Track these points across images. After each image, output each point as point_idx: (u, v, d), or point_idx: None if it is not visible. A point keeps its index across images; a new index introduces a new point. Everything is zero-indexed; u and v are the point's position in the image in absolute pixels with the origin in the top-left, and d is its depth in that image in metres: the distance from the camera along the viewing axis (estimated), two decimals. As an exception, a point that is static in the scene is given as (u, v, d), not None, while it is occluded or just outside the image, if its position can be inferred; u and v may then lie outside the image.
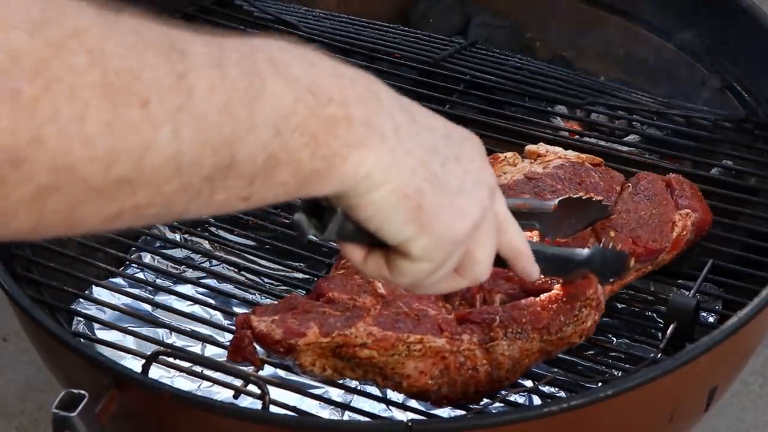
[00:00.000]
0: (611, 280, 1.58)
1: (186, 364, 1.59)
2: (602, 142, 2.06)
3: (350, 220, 1.04)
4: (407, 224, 1.03)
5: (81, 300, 1.77)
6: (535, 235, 1.56)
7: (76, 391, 1.35)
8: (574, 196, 1.60)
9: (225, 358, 1.55)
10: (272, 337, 1.47)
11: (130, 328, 1.73)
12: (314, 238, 1.08)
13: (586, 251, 1.49)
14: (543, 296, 1.53)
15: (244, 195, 0.91)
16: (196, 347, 1.75)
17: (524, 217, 1.43)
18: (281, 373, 1.64)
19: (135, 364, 1.59)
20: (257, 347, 1.51)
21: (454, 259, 1.10)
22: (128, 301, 1.76)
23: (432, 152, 1.05)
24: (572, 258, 1.48)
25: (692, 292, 1.65)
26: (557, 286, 1.54)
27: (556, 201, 1.52)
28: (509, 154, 1.82)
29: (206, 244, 1.92)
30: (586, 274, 1.52)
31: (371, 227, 1.04)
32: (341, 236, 1.08)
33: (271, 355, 1.51)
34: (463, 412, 1.51)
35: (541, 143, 1.85)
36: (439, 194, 1.05)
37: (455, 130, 1.11)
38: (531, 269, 1.27)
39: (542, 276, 1.45)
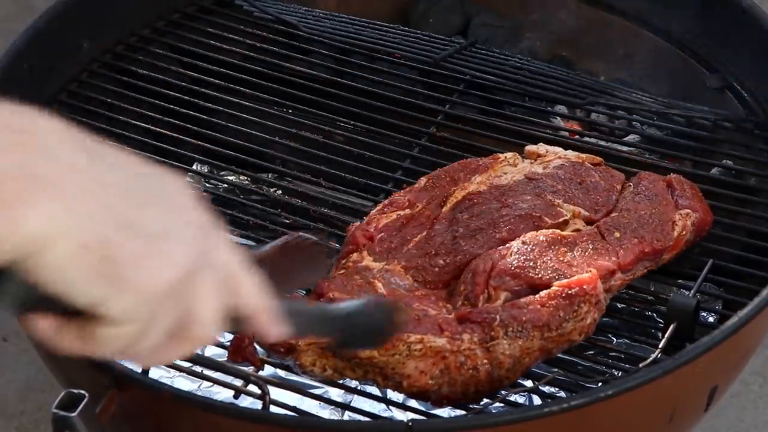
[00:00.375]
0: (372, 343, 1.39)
1: (186, 364, 1.59)
2: (602, 142, 2.06)
3: (31, 286, 0.88)
4: (95, 282, 0.88)
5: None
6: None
7: (76, 391, 1.35)
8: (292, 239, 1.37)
9: (225, 358, 1.55)
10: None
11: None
12: None
13: (346, 305, 1.28)
14: (542, 293, 1.53)
15: None
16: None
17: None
18: (281, 373, 1.64)
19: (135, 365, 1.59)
20: (257, 347, 1.51)
21: (166, 318, 0.93)
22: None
23: (124, 193, 0.90)
24: (330, 313, 1.28)
25: (692, 292, 1.65)
26: (556, 283, 1.54)
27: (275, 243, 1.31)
28: (509, 155, 1.82)
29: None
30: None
31: (56, 293, 0.87)
32: (24, 305, 0.90)
33: (272, 355, 1.51)
34: (463, 412, 1.51)
35: (541, 143, 1.85)
36: (134, 241, 0.89)
37: (156, 169, 0.94)
38: (272, 329, 1.05)
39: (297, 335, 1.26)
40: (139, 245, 0.89)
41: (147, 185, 0.92)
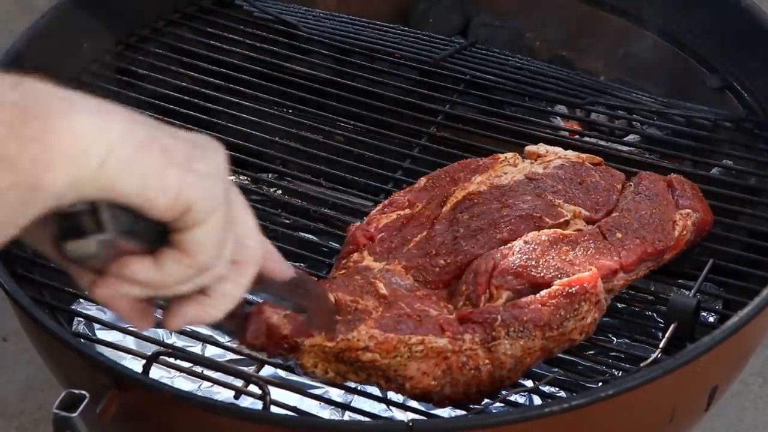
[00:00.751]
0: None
1: (186, 365, 1.59)
2: (602, 142, 2.06)
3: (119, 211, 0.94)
4: (167, 171, 0.93)
5: (81, 300, 1.77)
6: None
7: (76, 391, 1.35)
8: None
9: (225, 359, 1.56)
10: (281, 331, 1.46)
11: (130, 328, 1.73)
12: (88, 252, 0.95)
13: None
14: (543, 293, 1.53)
15: None
16: (196, 347, 1.75)
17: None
18: (282, 373, 1.64)
19: (135, 365, 1.59)
20: (256, 347, 1.51)
21: (228, 246, 1.00)
22: (128, 301, 1.75)
23: (154, 125, 0.96)
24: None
25: (692, 292, 1.65)
26: (557, 282, 1.54)
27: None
28: (509, 155, 1.82)
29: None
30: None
31: (138, 202, 0.93)
32: (124, 231, 0.95)
33: (273, 355, 1.51)
34: (464, 412, 1.51)
35: (541, 144, 1.85)
36: (179, 141, 0.96)
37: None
38: (282, 265, 1.13)
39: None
40: (186, 145, 0.96)
41: (185, 136, 0.98)
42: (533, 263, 1.57)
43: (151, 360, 1.51)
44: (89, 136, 0.89)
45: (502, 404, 1.52)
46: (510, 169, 1.78)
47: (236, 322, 1.27)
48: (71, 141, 0.88)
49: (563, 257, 1.58)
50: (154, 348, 1.56)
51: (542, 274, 1.55)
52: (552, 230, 1.64)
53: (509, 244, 1.61)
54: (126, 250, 0.97)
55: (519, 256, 1.58)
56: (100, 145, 0.89)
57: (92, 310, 1.77)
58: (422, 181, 1.78)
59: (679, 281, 1.78)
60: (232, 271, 1.03)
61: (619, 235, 1.64)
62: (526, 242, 1.61)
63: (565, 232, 1.64)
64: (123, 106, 0.96)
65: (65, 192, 0.89)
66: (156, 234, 0.97)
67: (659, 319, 1.72)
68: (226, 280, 1.03)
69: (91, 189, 0.91)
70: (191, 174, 0.95)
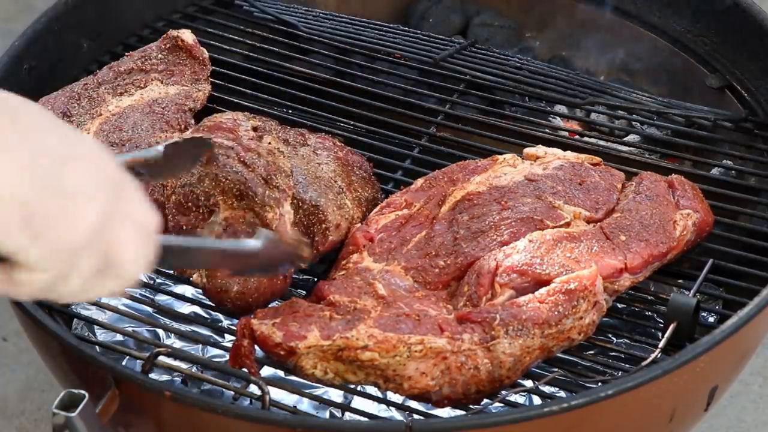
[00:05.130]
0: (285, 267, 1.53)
1: (186, 365, 1.59)
2: (602, 142, 2.06)
3: None
4: (13, 234, 0.98)
5: (81, 301, 1.77)
6: None
7: (76, 391, 1.35)
8: (179, 140, 1.54)
9: (225, 359, 1.56)
10: (273, 340, 1.47)
11: (130, 329, 1.73)
12: None
13: (255, 242, 1.37)
14: (542, 291, 1.53)
15: None
16: (196, 348, 1.75)
17: (135, 170, 1.40)
18: (281, 373, 1.64)
19: (135, 365, 1.59)
20: (257, 348, 1.51)
21: (85, 266, 1.04)
22: (128, 302, 1.75)
23: (45, 152, 1.00)
24: (243, 250, 1.39)
25: (692, 292, 1.65)
26: (556, 279, 1.54)
27: (162, 146, 1.46)
28: (508, 156, 1.82)
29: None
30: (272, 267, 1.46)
31: None
32: None
33: (272, 358, 1.51)
34: (463, 413, 1.51)
35: (540, 146, 1.85)
36: (50, 200, 0.99)
37: (77, 131, 1.06)
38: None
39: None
40: (55, 204, 0.99)
41: (67, 145, 1.02)
42: (538, 261, 1.57)
43: (150, 360, 1.51)
44: None
45: (501, 404, 1.52)
46: (509, 169, 1.78)
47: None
48: None
49: (568, 254, 1.59)
50: (153, 349, 1.56)
51: (547, 272, 1.56)
52: (555, 229, 1.64)
53: (512, 244, 1.61)
54: None
55: (524, 254, 1.58)
56: None
57: (92, 311, 1.77)
58: (419, 182, 1.78)
59: (679, 281, 1.78)
60: (97, 282, 1.08)
61: (623, 237, 1.64)
62: (530, 241, 1.61)
63: (569, 230, 1.65)
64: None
65: None
66: None
67: (659, 319, 1.72)
68: (86, 289, 1.08)
69: None
70: (38, 241, 1.00)
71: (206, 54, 2.03)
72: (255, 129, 1.81)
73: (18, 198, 0.97)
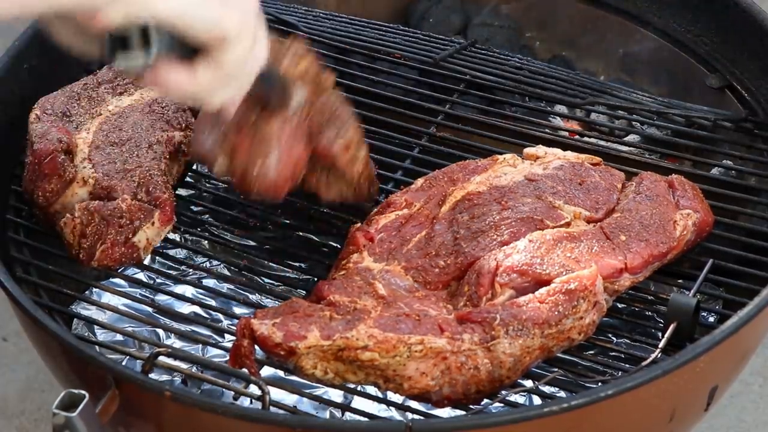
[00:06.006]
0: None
1: (186, 365, 1.59)
2: (602, 142, 2.06)
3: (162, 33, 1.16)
4: (207, 5, 1.16)
5: (81, 301, 1.77)
6: None
7: (76, 391, 1.35)
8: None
9: (225, 359, 1.56)
10: (273, 340, 1.47)
11: (129, 329, 1.73)
12: (137, 63, 1.18)
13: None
14: (542, 291, 1.53)
15: None
16: (196, 348, 1.75)
17: None
18: (281, 373, 1.64)
19: (135, 365, 1.59)
20: (257, 349, 1.51)
21: (261, 35, 1.26)
22: (128, 302, 1.76)
23: None
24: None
25: (692, 292, 1.65)
26: (556, 279, 1.54)
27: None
28: (508, 156, 1.82)
29: (206, 244, 1.92)
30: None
31: (181, 28, 1.15)
32: (164, 48, 1.17)
33: (272, 358, 1.51)
34: (463, 413, 1.51)
35: (540, 146, 1.85)
36: None
37: None
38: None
39: None
40: None
41: None
42: (538, 261, 1.57)
43: (150, 360, 1.51)
44: None
45: (501, 404, 1.52)
46: (509, 169, 1.78)
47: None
48: None
49: (568, 254, 1.59)
50: (153, 349, 1.56)
51: (547, 271, 1.56)
52: (555, 229, 1.64)
53: (512, 244, 1.61)
54: (166, 62, 1.20)
55: (524, 254, 1.58)
56: None
57: (92, 311, 1.77)
58: (419, 181, 1.78)
59: (679, 281, 1.78)
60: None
61: (623, 237, 1.64)
62: (531, 241, 1.61)
63: (569, 230, 1.65)
64: None
65: (112, 3, 1.11)
66: (193, 50, 1.20)
67: (659, 319, 1.72)
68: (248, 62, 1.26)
69: (141, 10, 1.12)
70: (228, 8, 1.16)
71: None
72: None
73: None
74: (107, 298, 1.78)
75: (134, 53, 1.18)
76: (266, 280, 1.82)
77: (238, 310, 1.79)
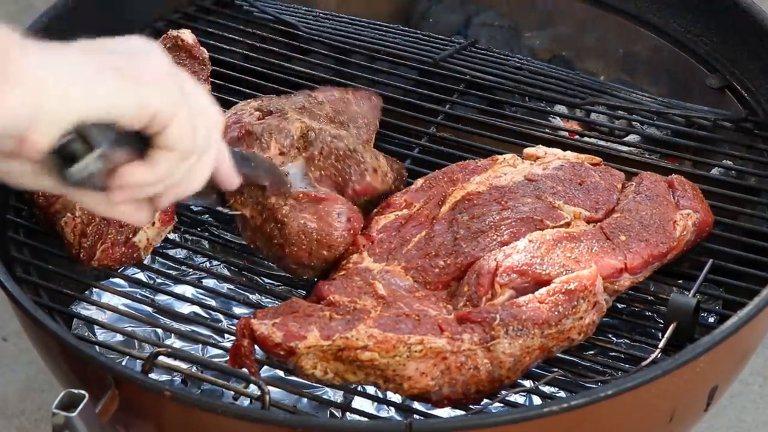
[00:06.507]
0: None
1: (186, 365, 1.59)
2: (602, 142, 2.06)
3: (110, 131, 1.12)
4: (121, 89, 1.12)
5: (81, 301, 1.77)
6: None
7: (75, 391, 1.35)
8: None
9: (225, 359, 1.55)
10: (272, 340, 1.47)
11: (129, 329, 1.73)
12: (90, 172, 1.12)
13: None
14: (542, 291, 1.53)
15: None
16: (196, 348, 1.75)
17: None
18: (281, 373, 1.64)
19: (135, 365, 1.59)
20: (257, 348, 1.51)
21: (186, 114, 1.17)
22: (128, 302, 1.76)
23: (110, 54, 1.13)
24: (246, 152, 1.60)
25: (692, 292, 1.65)
26: (556, 279, 1.54)
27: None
28: (508, 156, 1.82)
29: (206, 244, 1.92)
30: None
31: (110, 120, 1.11)
32: (111, 142, 1.12)
33: (272, 358, 1.51)
34: (463, 413, 1.51)
35: (540, 146, 1.85)
36: (133, 68, 1.13)
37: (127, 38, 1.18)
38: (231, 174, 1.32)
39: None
40: (131, 59, 1.13)
41: (125, 49, 1.15)
42: (538, 261, 1.57)
43: (150, 360, 1.51)
44: (49, 71, 1.05)
45: (501, 404, 1.52)
46: (509, 169, 1.78)
47: (216, 192, 1.42)
48: (34, 76, 1.04)
49: (568, 254, 1.59)
50: (153, 349, 1.56)
51: (547, 272, 1.56)
52: (555, 229, 1.64)
53: (512, 244, 1.61)
54: (119, 162, 1.14)
55: (524, 254, 1.58)
56: (60, 76, 1.06)
57: (92, 311, 1.77)
58: (419, 182, 1.78)
59: (679, 281, 1.78)
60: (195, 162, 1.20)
61: (623, 237, 1.64)
62: (530, 241, 1.61)
63: (569, 230, 1.65)
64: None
65: (35, 121, 1.05)
66: (140, 140, 1.15)
67: (659, 320, 1.72)
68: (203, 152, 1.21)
69: (66, 117, 1.07)
70: (144, 85, 1.11)
71: (206, 54, 2.03)
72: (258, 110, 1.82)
73: (112, 67, 1.10)
74: (107, 298, 1.78)
75: (83, 161, 1.12)
76: (266, 280, 1.82)
77: (238, 310, 1.79)
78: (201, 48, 2.04)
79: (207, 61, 2.03)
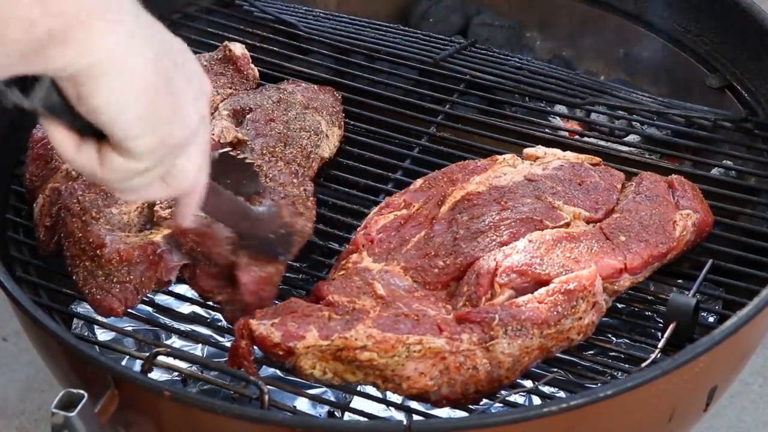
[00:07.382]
0: (281, 256, 1.61)
1: (186, 365, 1.59)
2: (602, 142, 2.06)
3: (58, 92, 1.03)
4: (136, 122, 1.04)
5: (80, 301, 1.77)
6: None
7: (75, 390, 1.35)
8: (238, 155, 1.57)
9: (225, 359, 1.55)
10: (271, 339, 1.47)
11: (129, 328, 1.73)
12: (19, 103, 1.05)
13: (262, 208, 1.56)
14: (541, 291, 1.53)
15: None
16: (196, 348, 1.75)
17: None
18: (281, 373, 1.64)
19: (135, 365, 1.59)
20: (257, 348, 1.51)
21: (165, 164, 1.10)
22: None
23: (166, 50, 1.05)
24: (253, 210, 1.55)
25: (692, 292, 1.65)
26: (556, 279, 1.54)
27: (218, 153, 1.48)
28: (508, 156, 1.82)
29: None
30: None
31: (100, 118, 1.02)
32: (47, 107, 1.04)
33: (271, 358, 1.51)
34: (463, 413, 1.51)
35: (539, 146, 1.85)
36: (169, 96, 1.05)
37: (173, 36, 1.12)
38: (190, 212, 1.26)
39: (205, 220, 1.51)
40: (171, 100, 1.05)
41: (175, 48, 1.08)
42: (537, 261, 1.57)
43: (149, 360, 1.51)
44: (106, 53, 0.98)
45: (501, 404, 1.52)
46: (509, 169, 1.78)
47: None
48: (90, 44, 0.97)
49: (568, 254, 1.59)
50: (153, 349, 1.56)
51: (546, 272, 1.56)
52: (555, 230, 1.64)
53: (512, 244, 1.61)
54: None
55: (524, 254, 1.58)
56: (107, 64, 0.99)
57: (92, 310, 1.77)
58: (418, 182, 1.78)
59: (679, 281, 1.78)
60: (156, 186, 1.15)
61: (622, 237, 1.64)
62: (530, 241, 1.61)
63: (569, 230, 1.65)
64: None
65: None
66: (84, 126, 1.06)
67: (659, 319, 1.72)
68: (147, 188, 1.14)
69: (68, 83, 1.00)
70: (156, 131, 1.06)
71: (256, 72, 2.02)
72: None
73: (148, 89, 1.02)
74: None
75: (27, 94, 1.06)
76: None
77: (237, 310, 1.79)
78: (251, 65, 2.02)
79: (252, 77, 2.01)
